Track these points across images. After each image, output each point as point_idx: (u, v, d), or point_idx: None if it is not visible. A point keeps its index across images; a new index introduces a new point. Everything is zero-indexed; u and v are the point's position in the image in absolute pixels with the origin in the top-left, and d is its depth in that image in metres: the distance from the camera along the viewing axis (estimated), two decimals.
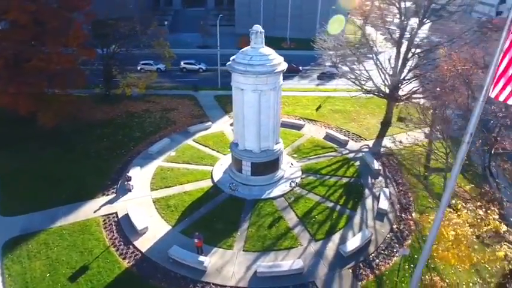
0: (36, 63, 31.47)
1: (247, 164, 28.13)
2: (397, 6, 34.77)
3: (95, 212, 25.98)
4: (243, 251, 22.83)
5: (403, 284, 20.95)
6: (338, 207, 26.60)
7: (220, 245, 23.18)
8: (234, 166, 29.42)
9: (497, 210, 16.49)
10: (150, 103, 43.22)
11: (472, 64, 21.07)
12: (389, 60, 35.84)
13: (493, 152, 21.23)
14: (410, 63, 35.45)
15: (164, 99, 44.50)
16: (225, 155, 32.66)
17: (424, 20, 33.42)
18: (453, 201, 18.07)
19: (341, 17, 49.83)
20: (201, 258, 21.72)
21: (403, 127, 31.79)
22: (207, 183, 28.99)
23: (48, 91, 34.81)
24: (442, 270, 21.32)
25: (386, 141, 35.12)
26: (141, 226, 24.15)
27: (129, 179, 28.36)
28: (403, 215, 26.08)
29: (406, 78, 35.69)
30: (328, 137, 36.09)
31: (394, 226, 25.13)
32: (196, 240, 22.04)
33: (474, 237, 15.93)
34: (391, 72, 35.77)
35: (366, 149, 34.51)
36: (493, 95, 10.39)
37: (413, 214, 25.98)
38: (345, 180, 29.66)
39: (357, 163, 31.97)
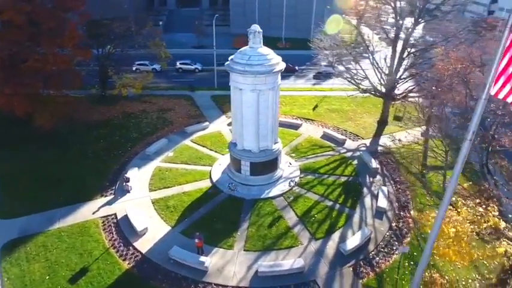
0: (32, 64, 31.24)
1: (246, 163, 28.14)
2: (393, 5, 34.99)
3: (93, 213, 25.82)
4: (244, 250, 22.85)
5: (404, 282, 21.13)
6: (337, 206, 26.73)
7: (221, 245, 23.18)
8: (233, 166, 29.41)
9: (496, 207, 16.70)
10: (147, 103, 43.03)
11: (469, 63, 21.31)
12: (385, 59, 36.09)
13: (490, 149, 21.48)
14: (406, 63, 35.71)
15: (161, 99, 44.32)
16: (223, 155, 32.63)
17: (419, 19, 33.69)
18: (453, 199, 18.26)
19: (338, 17, 50.02)
20: (202, 258, 21.70)
21: (402, 125, 32.07)
22: (205, 184, 28.95)
23: (44, 92, 34.52)
24: (441, 267, 21.53)
25: (385, 140, 35.33)
26: (141, 227, 24.06)
27: (128, 180, 28.21)
28: (401, 213, 26.29)
29: (402, 77, 35.95)
30: (326, 136, 36.24)
31: (393, 224, 25.32)
32: (196, 241, 22.01)
33: (474, 233, 16.11)
34: (387, 72, 36.01)
35: (363, 148, 34.71)
36: (492, 93, 10.56)
37: (412, 212, 26.20)
38: (343, 179, 29.81)
39: (355, 162, 32.15)
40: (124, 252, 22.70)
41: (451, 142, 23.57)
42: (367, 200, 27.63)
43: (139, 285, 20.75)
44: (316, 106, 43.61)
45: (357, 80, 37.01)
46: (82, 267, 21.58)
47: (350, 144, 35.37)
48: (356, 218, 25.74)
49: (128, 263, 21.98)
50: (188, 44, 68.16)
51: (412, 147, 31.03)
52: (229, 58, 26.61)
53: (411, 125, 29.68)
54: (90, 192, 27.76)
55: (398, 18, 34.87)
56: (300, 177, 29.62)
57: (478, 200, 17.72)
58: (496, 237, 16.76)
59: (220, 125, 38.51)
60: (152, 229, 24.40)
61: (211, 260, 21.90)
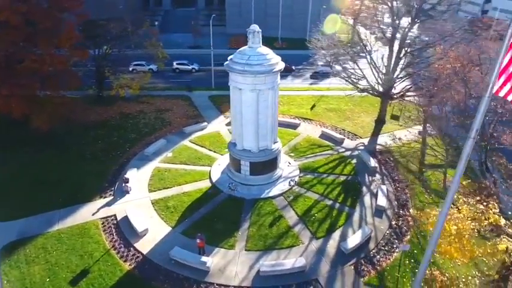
0: (28, 65, 31.01)
1: (246, 163, 28.15)
2: (389, 5, 35.20)
3: (93, 214, 25.68)
4: (245, 250, 22.87)
5: (405, 279, 21.28)
6: (337, 205, 26.84)
7: (222, 245, 23.17)
8: (232, 166, 29.41)
9: (496, 204, 16.88)
10: (144, 104, 42.86)
11: (468, 62, 21.50)
12: (382, 58, 36.29)
13: (488, 147, 21.69)
14: (403, 62, 35.94)
15: (158, 100, 44.18)
16: (222, 155, 32.61)
17: (416, 19, 33.92)
18: (454, 196, 18.39)
19: (335, 16, 50.14)
20: (204, 258, 21.67)
21: (401, 124, 32.26)
22: (205, 184, 28.91)
23: (41, 93, 34.24)
24: (441, 265, 21.70)
25: (384, 139, 35.53)
26: (141, 228, 23.97)
27: (127, 180, 28.09)
28: (401, 211, 26.47)
29: (399, 76, 36.18)
30: (324, 136, 36.36)
31: (393, 222, 25.49)
32: (198, 241, 21.98)
33: (476, 231, 16.27)
34: (384, 71, 36.22)
35: (362, 147, 34.87)
36: (493, 91, 10.69)
37: (411, 210, 26.38)
38: (342, 178, 29.93)
39: (354, 161, 32.30)
40: (125, 254, 22.61)
41: (450, 141, 23.78)
42: (367, 198, 27.77)
43: (141, 286, 20.67)
44: (313, 106, 43.73)
45: (354, 80, 37.19)
46: (83, 269, 21.46)
47: (348, 143, 35.52)
48: (356, 216, 25.86)
49: (129, 264, 21.89)
50: (184, 44, 67.94)
51: (412, 145, 31.23)
52: (229, 58, 26.61)
53: (411, 123, 29.88)
54: (89, 194, 27.60)
55: (395, 18, 35.10)
56: (299, 177, 29.69)
57: (478, 198, 17.88)
58: (497, 234, 16.93)
59: (218, 125, 38.48)
60: (153, 230, 24.32)
61: (213, 260, 21.89)
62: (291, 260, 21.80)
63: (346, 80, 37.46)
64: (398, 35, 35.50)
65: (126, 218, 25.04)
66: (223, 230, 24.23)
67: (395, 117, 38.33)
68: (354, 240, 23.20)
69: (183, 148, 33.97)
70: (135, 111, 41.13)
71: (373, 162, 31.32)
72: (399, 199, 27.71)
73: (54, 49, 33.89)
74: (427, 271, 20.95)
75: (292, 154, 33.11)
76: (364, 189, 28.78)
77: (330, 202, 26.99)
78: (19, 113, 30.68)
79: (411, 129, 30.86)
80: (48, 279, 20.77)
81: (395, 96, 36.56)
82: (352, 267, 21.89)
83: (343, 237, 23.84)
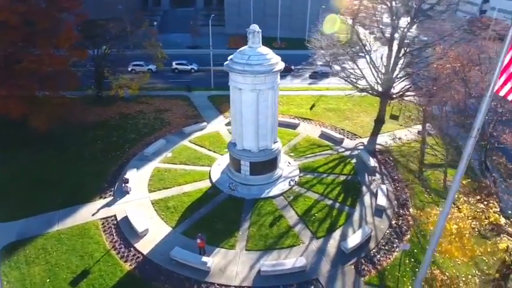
0: (27, 65, 30.91)
1: (246, 163, 28.14)
2: (389, 5, 35.21)
3: (93, 215, 25.63)
4: (246, 250, 22.87)
5: (405, 279, 21.31)
6: (337, 204, 26.87)
7: (223, 245, 23.16)
8: (232, 166, 29.40)
9: (496, 204, 16.92)
10: (144, 104, 42.82)
11: (467, 61, 21.56)
12: (381, 58, 36.28)
13: (488, 147, 21.76)
14: (402, 62, 35.95)
15: (157, 100, 44.14)
16: (221, 155, 32.60)
17: (415, 19, 33.93)
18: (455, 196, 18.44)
19: (334, 16, 50.18)
20: (204, 258, 21.65)
21: (402, 124, 32.31)
22: (205, 184, 28.90)
23: (40, 93, 34.15)
24: (441, 264, 21.75)
25: (383, 138, 35.55)
26: (142, 228, 23.93)
27: (127, 181, 28.05)
28: (401, 210, 26.52)
29: (398, 76, 36.18)
30: (324, 136, 36.41)
31: (393, 222, 25.53)
32: (198, 241, 21.97)
33: (476, 230, 16.31)
34: (383, 71, 36.21)
35: (361, 147, 34.91)
36: (494, 90, 10.74)
37: (411, 210, 26.42)
38: (342, 177, 29.96)
39: (353, 161, 32.35)
40: (125, 254, 22.57)
41: (450, 140, 23.84)
42: (367, 198, 27.81)
43: (142, 286, 20.64)
44: (313, 105, 43.77)
45: (353, 79, 37.18)
46: (83, 269, 21.41)
47: (348, 143, 35.58)
48: (356, 216, 25.90)
49: (130, 265, 21.85)
50: (183, 44, 67.95)
51: (411, 145, 31.31)
52: (229, 58, 26.60)
53: (411, 123, 29.93)
54: (88, 194, 27.55)
55: (394, 18, 35.10)
56: (299, 177, 29.70)
57: (478, 197, 17.91)
58: (497, 233, 16.97)
59: (218, 125, 38.47)
60: (153, 230, 24.29)
61: (214, 260, 21.88)
62: (291, 260, 21.81)
63: (346, 80, 37.44)
64: (397, 35, 35.52)
65: (126, 219, 25.01)
66: (223, 230, 24.22)
67: (394, 117, 38.37)
68: (354, 239, 23.23)
69: (183, 148, 33.95)
70: (135, 112, 41.09)
71: (372, 162, 31.37)
72: (399, 198, 27.76)
73: (53, 49, 33.82)
74: (427, 270, 21.05)
75: (292, 154, 33.13)
76: (364, 188, 28.83)
77: (330, 202, 27.01)
78: (18, 114, 30.60)
79: (411, 128, 30.91)
80: (48, 280, 20.72)
81: (394, 96, 36.54)
82: (353, 267, 21.92)
83: (344, 237, 23.87)
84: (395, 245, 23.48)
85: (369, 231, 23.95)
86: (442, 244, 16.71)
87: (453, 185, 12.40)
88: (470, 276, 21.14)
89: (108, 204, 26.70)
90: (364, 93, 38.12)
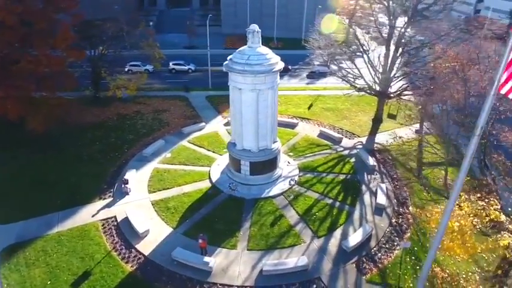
0: (24, 66, 30.69)
1: (246, 163, 28.14)
2: (386, 5, 35.38)
3: (93, 216, 25.49)
4: (247, 250, 22.87)
5: (406, 276, 21.43)
6: (337, 203, 26.96)
7: (224, 245, 23.15)
8: (232, 166, 29.38)
9: (497, 201, 17.09)
10: (141, 105, 42.65)
11: (467, 60, 21.74)
12: (379, 58, 36.45)
13: (487, 145, 21.95)
14: (399, 61, 36.15)
15: (155, 100, 43.99)
16: (221, 155, 32.57)
17: (412, 19, 34.13)
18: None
19: (332, 16, 50.33)
20: (206, 259, 21.62)
21: (401, 123, 32.46)
22: (205, 184, 28.86)
23: (37, 94, 33.88)
24: (442, 261, 21.90)
25: (381, 137, 35.71)
26: (142, 229, 23.84)
27: (126, 182, 27.92)
28: (400, 209, 26.66)
29: (396, 75, 36.37)
30: (322, 135, 36.52)
31: (393, 220, 25.67)
32: (200, 241, 21.93)
33: (478, 227, 16.46)
34: (381, 70, 36.38)
35: (360, 146, 35.06)
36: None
37: (411, 208, 26.59)
38: (341, 177, 30.07)
39: (352, 160, 32.47)
40: (126, 255, 22.47)
41: (450, 139, 24.00)
42: (366, 197, 27.94)
43: (144, 287, 20.55)
44: (311, 105, 43.88)
45: (351, 79, 37.31)
46: (84, 271, 21.28)
47: (346, 142, 35.71)
48: (356, 215, 26.01)
49: (131, 266, 21.76)
50: (180, 45, 67.73)
51: (410, 144, 31.50)
52: (228, 58, 26.58)
53: (410, 121, 30.08)
54: (88, 195, 27.39)
55: (391, 17, 35.27)
56: (299, 176, 29.76)
57: (478, 195, 18.09)
58: (498, 230, 17.13)
59: (216, 126, 38.42)
60: (154, 231, 24.20)
61: (215, 260, 21.86)
62: (293, 259, 21.86)
63: (343, 80, 37.59)
64: (395, 34, 35.68)
65: (126, 219, 24.90)
66: (224, 230, 24.20)
67: (392, 116, 38.55)
68: (355, 238, 23.32)
69: (182, 148, 33.86)
70: (133, 112, 40.92)
71: (371, 161, 31.52)
72: (399, 197, 27.92)
73: (49, 50, 33.56)
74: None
75: (291, 153, 33.19)
76: (364, 187, 28.96)
77: (330, 201, 27.10)
78: (15, 115, 30.33)
79: (409, 127, 31.09)
80: (49, 282, 20.58)
81: (392, 95, 36.75)
82: (354, 265, 22.02)
83: (344, 236, 23.96)
84: (395, 243, 23.61)
85: (369, 229, 24.06)
86: (444, 242, 16.86)
87: (457, 183, 12.48)
88: (470, 273, 21.30)
89: (107, 205, 26.57)
90: (362, 93, 38.31)
